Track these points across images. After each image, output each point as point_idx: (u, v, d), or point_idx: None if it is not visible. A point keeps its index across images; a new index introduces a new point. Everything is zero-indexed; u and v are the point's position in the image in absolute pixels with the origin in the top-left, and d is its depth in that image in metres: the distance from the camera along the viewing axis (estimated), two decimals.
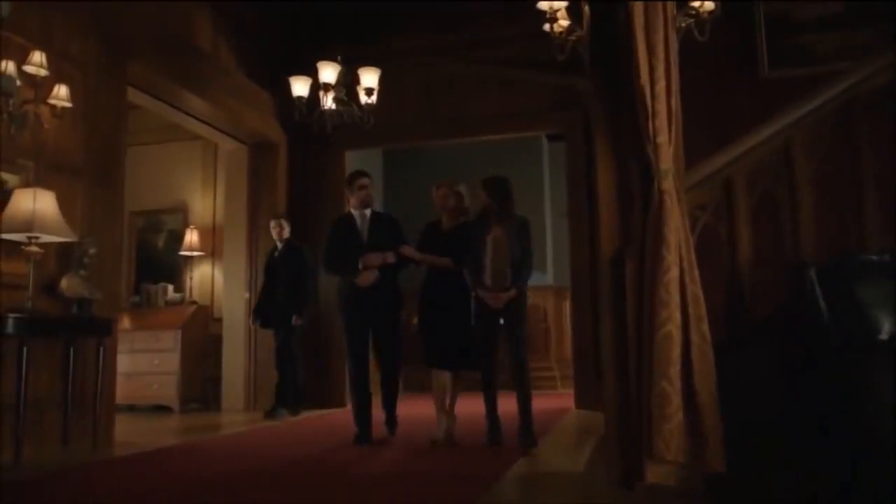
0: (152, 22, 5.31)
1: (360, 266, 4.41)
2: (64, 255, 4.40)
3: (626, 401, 2.70)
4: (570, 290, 6.62)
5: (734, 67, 5.10)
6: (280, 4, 6.64)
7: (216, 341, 6.95)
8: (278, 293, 6.14)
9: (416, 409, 5.28)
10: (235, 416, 6.04)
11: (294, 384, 6.18)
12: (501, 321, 4.12)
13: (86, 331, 4.42)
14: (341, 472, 3.60)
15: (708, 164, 2.94)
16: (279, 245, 6.28)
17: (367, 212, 4.63)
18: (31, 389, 3.94)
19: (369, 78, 5.24)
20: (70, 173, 4.51)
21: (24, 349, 3.84)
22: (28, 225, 3.91)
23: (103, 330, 4.46)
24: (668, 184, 2.63)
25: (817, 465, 2.50)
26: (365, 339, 4.50)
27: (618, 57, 2.83)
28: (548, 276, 9.27)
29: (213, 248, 7.46)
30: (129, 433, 5.05)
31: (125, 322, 6.72)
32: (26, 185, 4.14)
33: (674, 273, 2.57)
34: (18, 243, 4.01)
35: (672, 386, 2.51)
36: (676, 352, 2.53)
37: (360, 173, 4.76)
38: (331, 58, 5.12)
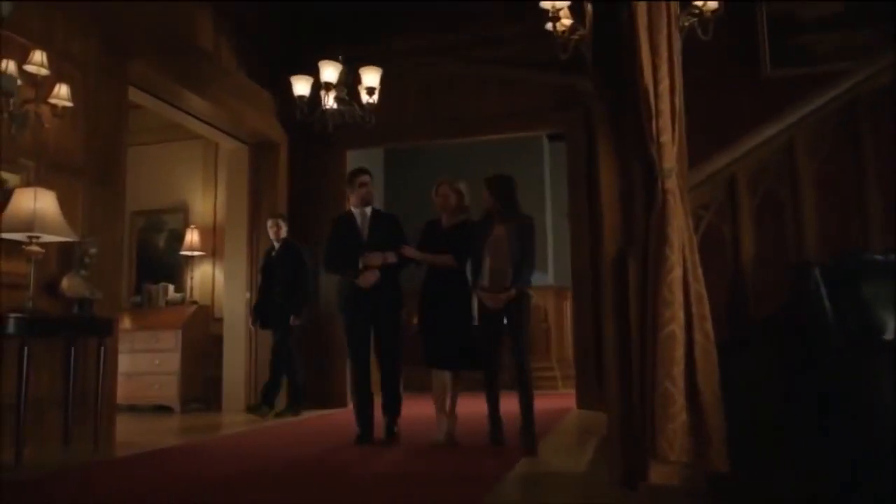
0: (153, 21, 5.30)
1: (361, 266, 4.40)
2: (65, 255, 4.39)
3: (629, 400, 2.70)
4: (571, 290, 6.61)
5: (736, 67, 5.09)
6: (280, 4, 6.64)
7: (217, 341, 6.94)
8: (276, 293, 6.13)
9: (416, 410, 5.27)
10: (236, 417, 6.03)
11: (294, 384, 6.18)
12: (505, 321, 4.09)
13: (87, 331, 4.41)
14: (342, 473, 3.60)
15: (711, 164, 2.94)
16: (276, 245, 6.27)
17: (368, 210, 4.61)
18: (32, 389, 3.94)
19: (371, 77, 5.23)
20: (71, 173, 4.50)
21: (25, 349, 3.83)
22: (29, 224, 3.90)
23: (104, 330, 4.46)
24: (672, 183, 2.63)
25: (820, 465, 2.50)
26: (366, 339, 4.49)
27: (620, 56, 2.82)
28: (548, 276, 9.27)
29: (213, 247, 7.45)
30: (129, 433, 5.04)
31: (126, 322, 6.71)
32: (27, 184, 4.14)
33: (677, 272, 2.56)
34: (19, 243, 4.00)
35: (675, 386, 2.51)
36: (680, 351, 2.53)
37: (361, 171, 4.73)
38: (332, 57, 5.11)
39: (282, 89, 6.32)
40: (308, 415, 6.16)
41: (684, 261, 2.59)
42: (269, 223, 6.31)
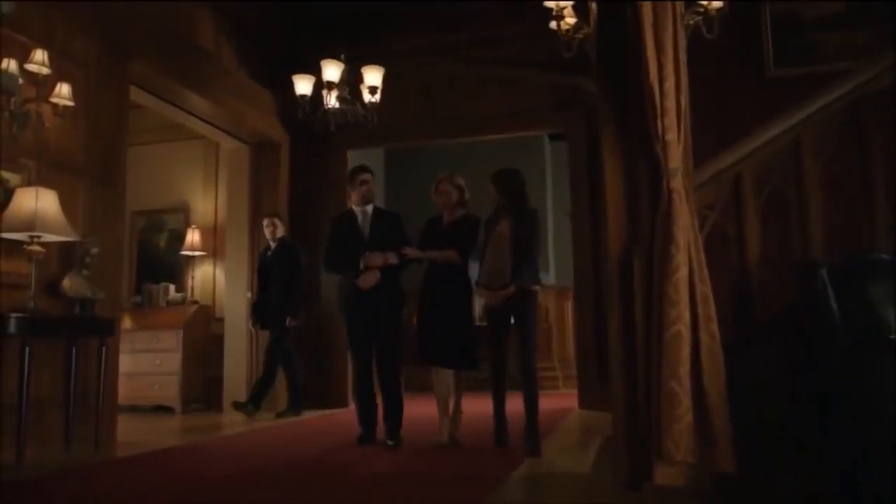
0: (154, 21, 5.28)
1: (362, 266, 4.36)
2: (66, 255, 4.37)
3: (634, 401, 2.69)
4: (573, 290, 6.59)
5: (739, 66, 5.08)
6: (280, 4, 6.63)
7: (218, 341, 6.92)
8: (272, 293, 6.10)
9: (417, 410, 5.26)
10: (237, 417, 6.01)
11: (294, 384, 6.16)
12: (512, 320, 4.06)
13: (88, 331, 4.40)
14: (343, 473, 3.58)
15: (716, 163, 2.93)
16: (272, 244, 6.24)
17: (369, 208, 4.57)
18: (33, 389, 3.92)
19: (373, 76, 5.22)
20: (72, 172, 4.48)
21: (27, 349, 3.82)
22: (30, 224, 3.88)
23: (106, 330, 4.44)
24: (677, 182, 2.62)
25: (826, 465, 2.49)
26: (367, 340, 4.45)
27: (625, 55, 2.81)
28: (550, 276, 9.26)
29: (214, 247, 7.44)
30: (130, 433, 5.02)
31: (126, 322, 6.69)
32: (28, 184, 4.12)
33: (683, 272, 2.55)
34: (20, 242, 3.98)
35: (681, 386, 2.49)
36: (685, 351, 2.52)
37: (362, 168, 4.69)
38: (334, 56, 5.10)
39: (282, 89, 6.32)
40: (309, 415, 6.15)
41: (690, 260, 2.58)
42: (265, 222, 6.28)
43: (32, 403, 3.91)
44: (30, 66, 4.04)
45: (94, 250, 4.40)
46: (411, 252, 4.40)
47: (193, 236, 7.35)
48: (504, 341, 4.13)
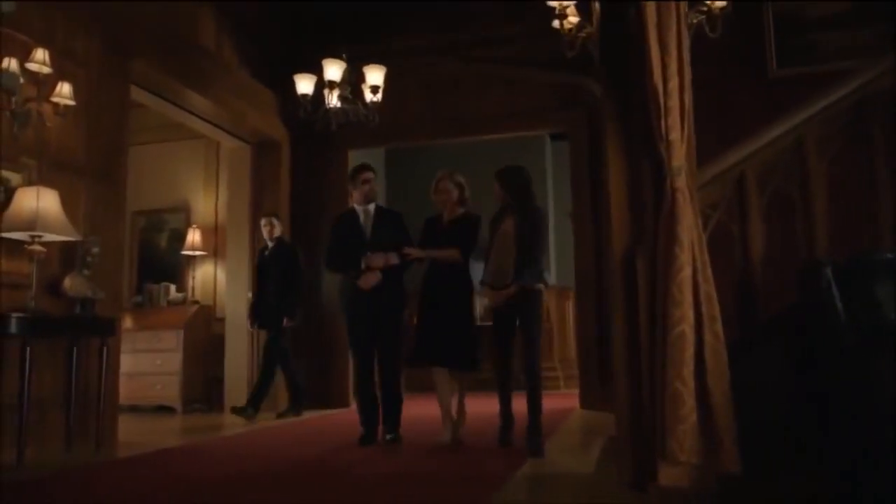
0: (155, 20, 5.28)
1: (363, 267, 4.34)
2: (67, 255, 4.36)
3: (638, 401, 2.67)
4: (575, 290, 6.58)
5: (741, 66, 5.06)
6: (280, 4, 6.63)
7: (219, 341, 6.92)
8: (269, 293, 6.07)
9: (419, 410, 5.25)
10: (238, 417, 5.99)
11: (294, 384, 6.14)
12: (518, 321, 4.03)
13: (89, 330, 4.39)
14: (345, 473, 3.58)
15: (719, 163, 2.91)
16: (269, 244, 6.21)
17: (371, 207, 4.55)
18: (34, 389, 3.92)
19: (375, 75, 5.21)
20: (72, 172, 4.47)
21: (28, 349, 3.81)
22: (31, 224, 3.87)
23: (107, 330, 4.43)
24: (681, 182, 2.61)
25: (829, 465, 2.48)
26: (368, 340, 4.43)
27: (628, 54, 2.80)
28: (551, 276, 9.24)
29: (215, 247, 7.43)
30: (131, 434, 5.02)
31: (127, 322, 6.67)
32: (29, 183, 4.11)
33: (687, 272, 2.54)
34: (21, 242, 3.98)
35: (686, 386, 2.48)
36: (690, 352, 2.51)
37: (364, 167, 4.66)
38: (336, 55, 5.09)
39: (283, 88, 6.31)
40: (310, 415, 6.14)
41: (693, 260, 2.57)
42: (263, 222, 6.24)
43: (33, 403, 3.91)
44: (31, 66, 4.03)
45: (95, 250, 4.39)
46: (413, 252, 4.37)
47: (194, 236, 7.34)
48: (509, 342, 4.10)
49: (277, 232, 6.22)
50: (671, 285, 2.53)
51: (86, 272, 4.35)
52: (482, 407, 4.74)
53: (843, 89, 2.97)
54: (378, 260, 4.33)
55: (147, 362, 6.75)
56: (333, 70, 5.01)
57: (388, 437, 4.28)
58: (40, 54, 4.05)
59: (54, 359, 4.26)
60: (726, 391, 2.52)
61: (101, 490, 3.32)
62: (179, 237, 7.51)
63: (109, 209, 4.79)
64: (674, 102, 2.60)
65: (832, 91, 2.96)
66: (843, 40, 4.88)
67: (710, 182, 2.88)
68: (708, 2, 3.24)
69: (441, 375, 4.29)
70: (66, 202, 4.13)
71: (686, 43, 2.66)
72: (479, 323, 4.54)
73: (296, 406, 6.13)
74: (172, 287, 7.44)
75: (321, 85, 5.15)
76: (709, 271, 2.59)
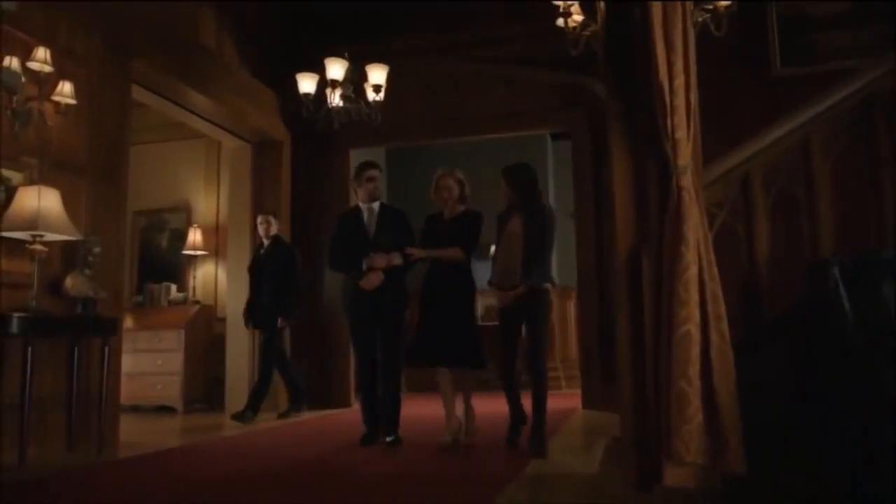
0: (156, 19, 5.26)
1: (364, 267, 4.30)
2: (68, 254, 4.35)
3: (643, 401, 2.66)
4: (577, 290, 6.57)
5: (745, 65, 5.05)
6: (281, 4, 6.62)
7: (220, 341, 6.91)
8: (264, 292, 6.00)
9: (420, 410, 5.25)
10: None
11: (293, 384, 6.12)
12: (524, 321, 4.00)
13: (90, 330, 4.37)
14: (347, 473, 3.57)
15: (724, 162, 2.90)
16: (265, 242, 6.14)
17: (375, 205, 4.49)
18: (36, 389, 3.90)
19: (377, 74, 5.19)
20: (74, 171, 4.46)
21: (29, 349, 3.80)
22: (32, 223, 3.86)
23: (108, 329, 4.42)
24: (687, 180, 2.60)
25: (836, 466, 2.47)
26: (370, 340, 4.41)
27: (633, 52, 2.79)
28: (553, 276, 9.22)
29: (216, 247, 7.42)
30: (132, 434, 5.01)
31: (128, 322, 6.66)
32: (30, 182, 4.10)
33: (693, 271, 2.53)
34: (22, 242, 3.96)
35: (691, 386, 2.47)
36: (695, 351, 2.50)
37: (369, 164, 4.59)
38: (338, 54, 5.07)
39: (284, 88, 6.30)
40: (311, 415, 6.13)
41: (699, 259, 2.56)
42: (259, 220, 6.18)
43: (35, 403, 3.89)
44: (32, 64, 4.02)
45: (97, 249, 4.38)
46: (415, 252, 4.32)
47: (195, 236, 7.33)
48: (515, 342, 4.07)
49: (274, 230, 6.15)
50: (677, 284, 2.52)
51: (87, 272, 4.34)
52: (484, 407, 4.73)
53: (847, 88, 2.96)
54: (380, 261, 4.29)
55: (148, 362, 6.74)
56: (336, 69, 4.99)
57: (387, 439, 4.24)
58: (41, 53, 4.04)
59: (55, 359, 4.24)
60: (732, 391, 2.51)
61: (103, 490, 3.31)
62: (180, 237, 7.50)
63: (110, 208, 4.77)
64: (679, 101, 2.59)
65: (837, 90, 2.95)
66: (847, 40, 4.87)
67: (715, 181, 2.87)
68: (713, 0, 3.22)
69: (443, 376, 4.26)
70: (66, 201, 4.11)
71: (692, 41, 2.65)
72: (479, 323, 4.50)
73: (296, 406, 6.11)
74: (173, 287, 7.43)
75: (323, 84, 5.13)
76: (714, 270, 2.58)
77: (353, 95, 5.22)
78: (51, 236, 3.99)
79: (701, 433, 2.47)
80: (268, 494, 3.11)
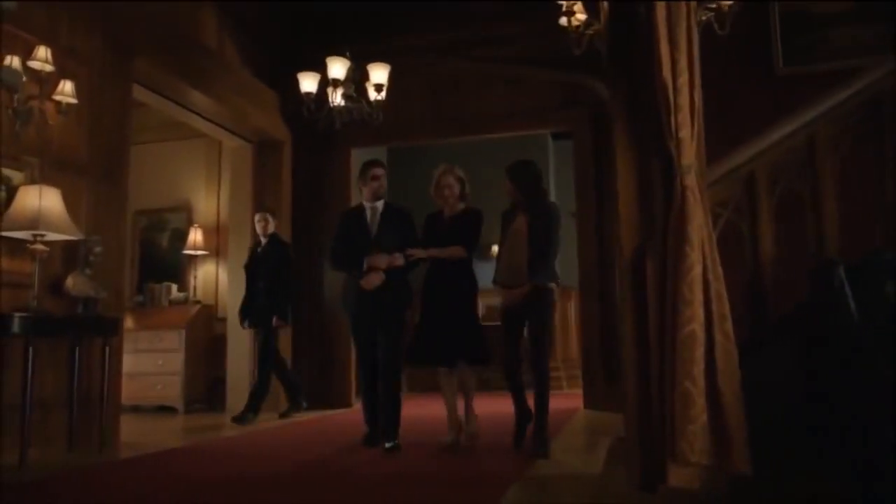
0: (157, 19, 5.25)
1: (365, 267, 4.26)
2: (69, 254, 4.34)
3: (648, 401, 2.65)
4: (579, 290, 6.56)
5: (748, 64, 5.04)
6: (281, 4, 6.61)
7: (220, 341, 6.90)
8: (259, 291, 5.96)
9: (422, 410, 5.23)
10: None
11: (290, 382, 6.11)
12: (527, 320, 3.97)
13: (92, 330, 4.36)
14: (349, 473, 3.56)
15: (728, 161, 2.89)
16: (263, 240, 6.09)
17: (379, 204, 4.42)
18: (37, 390, 3.89)
19: (379, 74, 5.18)
20: (74, 170, 4.45)
21: (30, 349, 3.79)
22: (34, 223, 3.85)
23: (109, 329, 4.41)
24: (691, 180, 2.58)
25: (842, 467, 2.45)
26: (371, 339, 4.37)
27: (637, 51, 2.77)
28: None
29: (217, 246, 7.41)
30: (133, 434, 5.00)
31: (129, 322, 6.64)
32: (31, 182, 4.09)
33: (697, 271, 2.51)
34: (23, 241, 3.95)
35: (696, 386, 2.46)
36: (700, 351, 2.48)
37: (374, 162, 4.54)
38: (340, 53, 5.06)
39: (284, 88, 6.28)
40: (312, 415, 6.12)
41: (704, 258, 2.54)
42: (257, 217, 6.11)
43: (36, 404, 3.88)
44: (33, 63, 4.01)
45: (98, 249, 4.37)
46: (416, 253, 4.27)
47: (196, 235, 7.32)
48: (518, 342, 4.05)
49: (272, 228, 6.08)
50: (681, 284, 2.51)
51: (88, 271, 4.33)
52: (485, 407, 4.72)
53: (852, 87, 2.95)
54: (381, 261, 4.24)
55: (148, 362, 6.73)
56: (337, 68, 4.98)
57: (387, 445, 4.12)
58: (42, 52, 4.03)
59: (57, 359, 4.23)
60: (737, 391, 2.49)
61: (104, 491, 3.30)
62: (181, 236, 7.49)
63: (111, 208, 4.76)
64: (684, 100, 2.57)
65: (842, 89, 2.93)
66: (850, 38, 4.86)
67: (719, 180, 2.85)
68: None
69: (445, 376, 4.25)
70: (67, 201, 4.10)
71: (696, 40, 2.63)
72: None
73: (296, 404, 6.09)
74: (174, 287, 7.41)
75: (324, 83, 5.12)
76: (719, 270, 2.56)
77: (354, 95, 5.21)
78: (52, 236, 3.98)
79: (705, 433, 2.45)
80: (269, 495, 3.10)
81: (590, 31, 3.23)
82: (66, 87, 4.18)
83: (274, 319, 5.87)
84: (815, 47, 4.96)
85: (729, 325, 2.54)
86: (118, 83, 4.86)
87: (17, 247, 3.96)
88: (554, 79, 6.34)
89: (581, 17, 3.28)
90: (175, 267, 7.51)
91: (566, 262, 8.59)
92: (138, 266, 7.58)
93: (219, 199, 7.54)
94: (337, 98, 5.07)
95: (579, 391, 6.46)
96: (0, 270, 3.89)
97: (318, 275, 6.74)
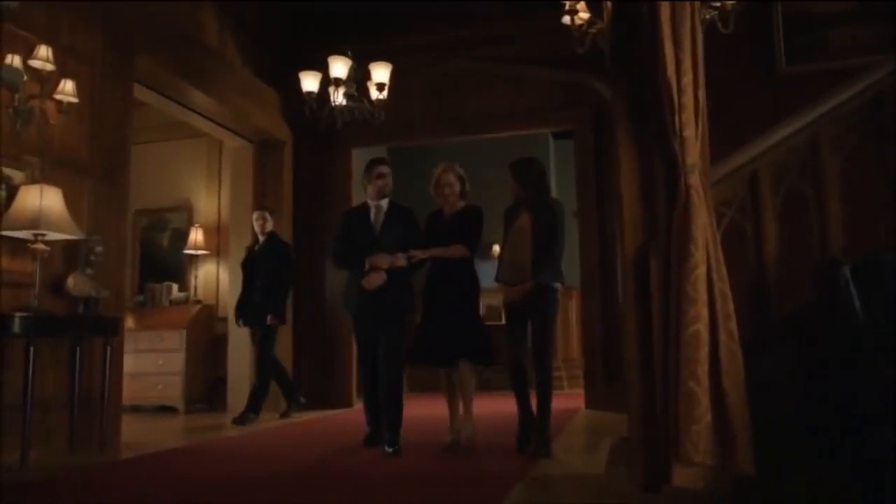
0: (158, 18, 5.25)
1: (367, 267, 4.22)
2: (70, 254, 4.33)
3: (651, 401, 2.64)
4: (580, 290, 6.55)
5: (750, 64, 5.02)
6: (282, 4, 6.60)
7: (221, 341, 6.90)
8: (256, 290, 5.93)
9: (423, 410, 5.22)
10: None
11: (286, 383, 6.10)
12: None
13: (92, 330, 4.35)
14: (350, 473, 3.55)
15: (732, 160, 2.88)
16: (260, 239, 6.06)
17: (384, 203, 4.37)
18: (38, 390, 3.88)
19: (381, 73, 5.17)
20: (75, 170, 4.44)
21: (31, 349, 3.78)
22: (34, 222, 3.84)
23: (110, 329, 4.40)
24: (695, 179, 2.57)
25: (846, 467, 2.45)
26: (372, 340, 4.34)
27: (640, 50, 2.77)
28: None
29: (217, 246, 7.41)
30: (134, 434, 4.99)
31: (129, 322, 6.64)
32: (31, 181, 4.08)
33: (701, 270, 2.51)
34: (24, 241, 3.94)
35: (700, 386, 2.45)
36: (704, 351, 2.47)
37: (380, 161, 4.50)
38: (341, 52, 5.05)
39: (285, 87, 6.27)
40: (313, 415, 6.11)
41: (708, 258, 2.53)
42: (255, 216, 6.08)
43: (37, 404, 3.87)
44: (34, 63, 4.00)
45: (99, 249, 4.36)
46: (418, 253, 4.22)
47: (196, 235, 7.31)
48: (522, 341, 4.02)
49: (269, 227, 6.05)
50: (685, 283, 2.50)
51: (89, 271, 4.32)
52: (485, 407, 4.71)
53: (856, 86, 2.93)
54: (383, 260, 4.20)
55: (149, 362, 6.72)
56: (339, 67, 4.97)
57: (388, 450, 4.03)
58: (43, 51, 4.02)
59: (57, 359, 4.22)
60: (741, 391, 2.48)
61: (105, 491, 3.29)
62: (182, 236, 7.48)
63: (112, 208, 4.75)
64: (688, 99, 2.57)
65: (845, 88, 2.92)
66: (851, 38, 4.85)
67: (723, 180, 2.84)
68: None
69: (446, 377, 4.24)
70: (68, 200, 4.09)
71: (700, 39, 2.62)
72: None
73: (294, 402, 6.08)
74: (175, 286, 7.41)
75: (326, 83, 5.11)
76: (723, 269, 2.55)
77: (356, 94, 5.20)
78: (52, 235, 3.97)
79: (710, 433, 2.44)
80: (270, 495, 3.09)
81: (593, 30, 3.22)
82: (67, 86, 4.18)
83: (268, 318, 5.83)
84: (815, 47, 4.95)
85: (733, 325, 2.53)
86: (119, 82, 4.85)
87: (18, 246, 3.95)
88: (555, 78, 6.33)
89: (584, 16, 3.27)
90: (176, 267, 7.51)
91: (568, 262, 8.61)
92: (139, 266, 7.57)
93: (220, 198, 7.53)
94: (339, 97, 5.06)
95: (581, 391, 6.45)
96: (1, 270, 3.88)
97: (319, 274, 6.73)
